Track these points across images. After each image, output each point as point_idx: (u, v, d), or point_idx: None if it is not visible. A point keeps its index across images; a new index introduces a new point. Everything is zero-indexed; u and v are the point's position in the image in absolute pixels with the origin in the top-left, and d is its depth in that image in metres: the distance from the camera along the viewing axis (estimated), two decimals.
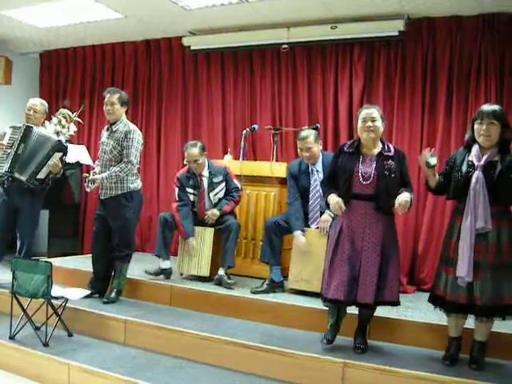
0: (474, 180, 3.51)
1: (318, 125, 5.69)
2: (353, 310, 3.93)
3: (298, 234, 4.82)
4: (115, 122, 4.86)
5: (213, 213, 5.25)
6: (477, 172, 3.52)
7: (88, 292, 4.64)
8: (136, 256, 5.25)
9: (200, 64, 6.86)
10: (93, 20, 6.31)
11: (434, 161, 3.64)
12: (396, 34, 5.56)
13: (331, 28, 5.79)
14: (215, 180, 5.33)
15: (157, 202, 7.07)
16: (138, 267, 5.51)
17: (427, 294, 3.87)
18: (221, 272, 5.14)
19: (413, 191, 3.86)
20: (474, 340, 3.67)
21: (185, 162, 5.44)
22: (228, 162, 5.84)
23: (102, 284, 5.01)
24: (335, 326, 3.90)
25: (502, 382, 3.33)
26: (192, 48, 6.63)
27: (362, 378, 3.51)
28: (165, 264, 5.32)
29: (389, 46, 5.79)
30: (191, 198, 5.40)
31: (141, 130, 5.29)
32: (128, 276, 5.10)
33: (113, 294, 4.91)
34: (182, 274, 5.46)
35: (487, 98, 5.29)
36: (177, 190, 5.42)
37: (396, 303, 3.83)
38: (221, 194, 5.34)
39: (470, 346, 3.66)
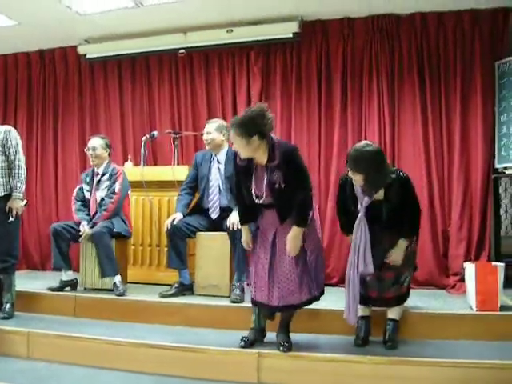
0: (356, 222, 3.63)
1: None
2: None
3: (177, 213, 4.88)
4: None
5: (87, 234, 5.04)
6: (360, 214, 3.62)
7: None
8: (36, 274, 4.98)
9: (96, 72, 6.72)
10: None
11: None
12: (291, 35, 5.69)
13: (227, 32, 5.85)
14: (103, 179, 5.21)
15: (56, 216, 6.77)
16: (39, 283, 5.27)
17: (334, 288, 3.95)
18: (112, 281, 4.98)
19: (306, 199, 3.54)
20: (387, 319, 3.79)
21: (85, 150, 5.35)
22: (129, 169, 5.72)
23: None
24: (258, 326, 3.82)
25: (412, 356, 3.43)
26: (88, 56, 6.47)
27: (277, 367, 3.50)
28: (66, 275, 5.08)
29: (284, 48, 5.92)
30: (86, 194, 5.29)
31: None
32: (27, 290, 4.85)
33: (7, 309, 4.59)
34: (85, 289, 5.19)
35: (380, 93, 5.56)
36: (78, 186, 5.39)
37: (316, 298, 3.71)
38: (103, 194, 5.19)
39: (384, 325, 3.77)
